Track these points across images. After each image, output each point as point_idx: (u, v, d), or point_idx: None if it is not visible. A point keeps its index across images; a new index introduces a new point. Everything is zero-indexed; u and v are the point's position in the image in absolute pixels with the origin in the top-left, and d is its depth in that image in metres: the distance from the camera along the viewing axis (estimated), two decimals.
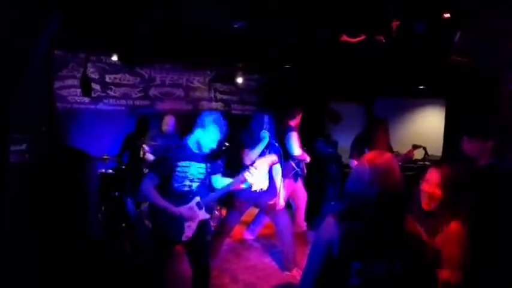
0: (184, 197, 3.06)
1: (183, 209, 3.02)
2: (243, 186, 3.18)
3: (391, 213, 1.81)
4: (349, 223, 1.82)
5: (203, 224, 3.21)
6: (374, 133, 4.89)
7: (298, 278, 4.35)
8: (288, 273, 4.47)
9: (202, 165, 3.14)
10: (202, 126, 3.08)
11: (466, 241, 2.25)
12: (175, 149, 3.14)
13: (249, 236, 5.44)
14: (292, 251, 4.53)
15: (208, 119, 3.08)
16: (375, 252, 1.79)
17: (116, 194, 5.58)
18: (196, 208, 3.07)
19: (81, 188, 1.40)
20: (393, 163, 1.85)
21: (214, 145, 3.12)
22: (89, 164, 1.42)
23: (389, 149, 5.02)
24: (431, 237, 2.24)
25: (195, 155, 3.12)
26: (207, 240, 3.44)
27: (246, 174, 3.12)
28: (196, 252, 3.22)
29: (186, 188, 3.06)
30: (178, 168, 3.02)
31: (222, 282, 4.19)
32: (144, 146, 5.53)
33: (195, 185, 3.10)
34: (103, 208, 5.53)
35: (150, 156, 5.49)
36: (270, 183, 4.38)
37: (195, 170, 3.09)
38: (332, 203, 6.37)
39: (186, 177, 3.06)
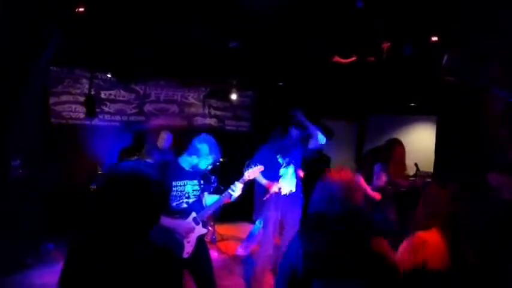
0: (183, 214, 3.10)
1: (178, 222, 3.04)
2: (230, 200, 3.23)
3: (353, 232, 1.78)
4: (311, 240, 1.80)
5: (202, 241, 3.23)
6: (391, 153, 4.79)
7: None
8: None
9: (196, 181, 3.20)
10: (197, 154, 3.13)
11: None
12: (169, 170, 3.18)
13: (241, 253, 5.43)
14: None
15: (204, 147, 3.13)
16: (336, 271, 1.76)
17: None
18: (193, 223, 3.11)
19: None
20: (354, 181, 1.89)
21: (207, 168, 3.20)
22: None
23: (404, 168, 4.98)
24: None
25: (189, 173, 3.17)
26: (209, 257, 3.37)
27: (231, 190, 3.17)
28: (201, 271, 3.19)
29: (184, 205, 3.11)
30: (174, 188, 3.08)
31: None
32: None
33: (191, 201, 3.15)
34: None
35: None
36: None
37: (190, 188, 3.15)
38: None
39: (183, 195, 3.12)
